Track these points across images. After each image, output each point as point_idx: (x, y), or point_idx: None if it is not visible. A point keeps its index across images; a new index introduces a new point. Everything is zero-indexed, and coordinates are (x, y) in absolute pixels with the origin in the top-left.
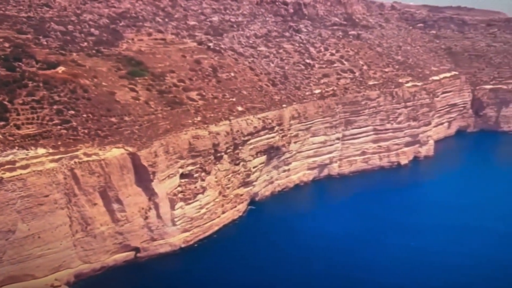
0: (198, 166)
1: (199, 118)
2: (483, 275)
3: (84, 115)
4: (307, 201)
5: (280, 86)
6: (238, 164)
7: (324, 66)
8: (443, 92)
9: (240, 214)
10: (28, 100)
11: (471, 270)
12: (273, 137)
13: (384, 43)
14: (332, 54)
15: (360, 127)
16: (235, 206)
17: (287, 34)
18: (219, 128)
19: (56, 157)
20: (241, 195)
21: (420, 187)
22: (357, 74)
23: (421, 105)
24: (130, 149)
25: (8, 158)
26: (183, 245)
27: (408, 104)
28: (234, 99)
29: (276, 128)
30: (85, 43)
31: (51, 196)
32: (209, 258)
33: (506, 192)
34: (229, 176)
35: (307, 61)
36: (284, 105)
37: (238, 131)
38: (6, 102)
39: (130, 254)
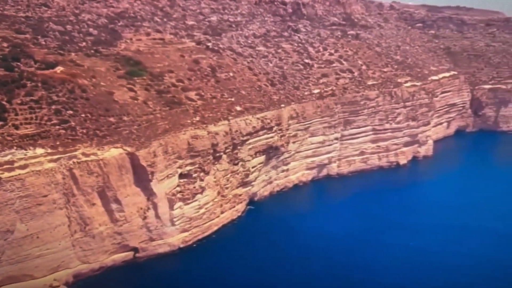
0: (197, 166)
1: (197, 118)
2: (481, 275)
3: (83, 115)
4: (306, 201)
5: (279, 86)
6: (237, 164)
7: (323, 66)
8: (442, 92)
9: (239, 214)
10: (27, 100)
11: (470, 270)
12: (271, 137)
13: (383, 43)
14: (331, 54)
15: (359, 127)
16: (234, 206)
17: (285, 34)
18: (218, 128)
19: (55, 157)
20: (240, 195)
21: (419, 187)
22: (356, 74)
23: (420, 105)
24: (129, 149)
25: (6, 158)
26: (181, 245)
27: (407, 104)
28: (232, 99)
29: (275, 128)
30: (84, 43)
31: (49, 196)
32: (208, 258)
33: (505, 192)
34: (228, 176)
35: (306, 61)
36: (282, 105)
37: (237, 131)
38: (4, 102)
39: (128, 254)
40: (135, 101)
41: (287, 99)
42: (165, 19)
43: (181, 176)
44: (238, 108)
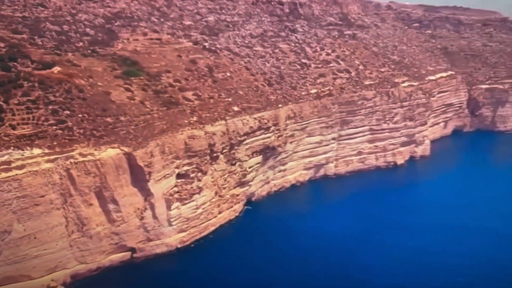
0: (194, 166)
1: (195, 118)
2: (480, 275)
3: (80, 115)
4: (303, 201)
5: (276, 86)
6: (234, 164)
7: (320, 66)
8: (439, 92)
9: (237, 214)
10: (24, 100)
11: (468, 270)
12: (269, 137)
13: (380, 43)
14: (328, 54)
15: (356, 127)
16: (232, 206)
17: (282, 34)
18: (215, 128)
19: (52, 157)
20: (237, 195)
21: (416, 187)
22: (353, 74)
23: (417, 105)
24: (126, 149)
25: (3, 159)
26: (179, 246)
27: (404, 104)
28: (230, 99)
29: (272, 128)
30: (81, 43)
31: (47, 197)
32: (206, 258)
33: (503, 191)
34: (225, 176)
35: (303, 61)
36: (280, 105)
37: (234, 131)
38: (1, 102)
39: (126, 255)
40: (132, 101)
41: (284, 99)
42: (162, 19)
43: (179, 176)
44: (235, 108)
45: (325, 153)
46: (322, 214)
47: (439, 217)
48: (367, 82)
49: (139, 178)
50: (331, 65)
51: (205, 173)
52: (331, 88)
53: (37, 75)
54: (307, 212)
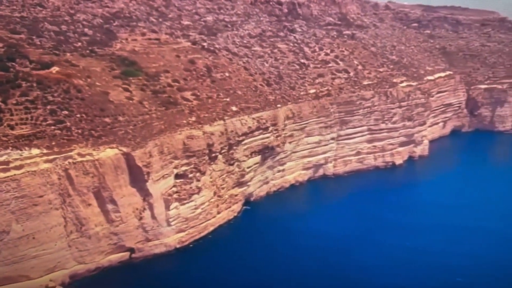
0: (192, 166)
1: (193, 118)
2: (478, 275)
3: (78, 115)
4: (302, 201)
5: (275, 86)
6: (232, 164)
7: (318, 66)
8: (438, 92)
9: (235, 214)
10: (22, 100)
11: (467, 270)
12: (267, 137)
13: (378, 43)
14: (326, 54)
15: (355, 127)
16: (230, 207)
17: (281, 34)
18: (214, 128)
19: (50, 157)
20: (236, 195)
21: (415, 187)
22: (351, 74)
23: (416, 105)
24: (124, 149)
25: (2, 159)
26: (178, 246)
27: (403, 104)
28: (228, 99)
29: (271, 128)
30: (79, 43)
31: (45, 197)
32: (204, 258)
33: (501, 191)
34: (224, 176)
35: (302, 61)
36: (278, 105)
37: (232, 131)
38: None
39: (125, 255)
40: (131, 101)
41: (283, 99)
42: (160, 19)
43: (177, 176)
44: (234, 108)
45: (324, 153)
46: (320, 214)
47: (438, 217)
48: (365, 82)
49: (137, 178)
50: (329, 65)
51: (203, 173)
52: (330, 88)
53: (35, 75)
54: (306, 212)
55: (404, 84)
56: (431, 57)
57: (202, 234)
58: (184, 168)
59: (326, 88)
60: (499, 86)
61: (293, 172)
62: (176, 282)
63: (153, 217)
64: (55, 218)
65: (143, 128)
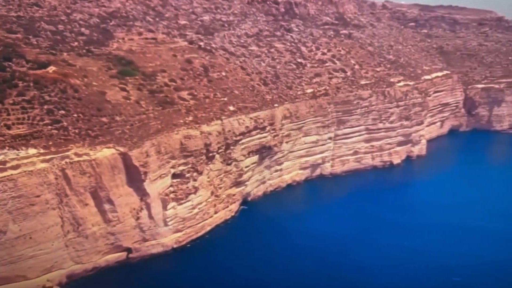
0: (190, 166)
1: (190, 118)
2: (476, 275)
3: (75, 115)
4: (299, 201)
5: (272, 85)
6: (230, 164)
7: (315, 65)
8: (435, 92)
9: (233, 214)
10: (19, 100)
11: (464, 270)
12: (265, 137)
13: (375, 42)
14: (323, 54)
15: (352, 127)
16: (228, 206)
17: (278, 33)
18: (211, 128)
19: (47, 157)
20: (233, 195)
21: (412, 186)
22: (348, 73)
23: (413, 104)
24: (121, 149)
25: None
26: (175, 246)
27: (400, 103)
28: (225, 99)
29: (268, 127)
30: (76, 43)
31: (42, 197)
32: (202, 258)
33: (499, 191)
34: (221, 176)
35: (299, 60)
36: (276, 105)
37: (229, 131)
38: None
39: (122, 255)
40: (128, 101)
41: (280, 98)
42: (157, 19)
43: (174, 176)
44: (231, 107)
45: (321, 152)
46: (318, 214)
47: (436, 217)
48: (363, 82)
49: (134, 178)
50: (326, 64)
51: (201, 173)
52: (327, 87)
53: (32, 75)
54: (303, 212)
55: (401, 83)
56: (429, 56)
57: (199, 234)
58: (181, 168)
59: (323, 88)
60: (496, 86)
61: (290, 171)
62: (173, 282)
63: (150, 217)
64: (52, 218)
65: (140, 128)
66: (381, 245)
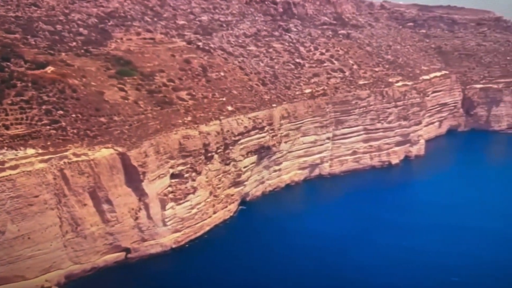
0: (188, 166)
1: (189, 118)
2: (474, 275)
3: (73, 115)
4: (298, 201)
5: (270, 85)
6: (228, 164)
7: (314, 65)
8: (434, 92)
9: (231, 214)
10: (17, 100)
11: (462, 270)
12: (263, 137)
13: (374, 42)
14: (322, 54)
15: (351, 127)
16: (226, 206)
17: (276, 33)
18: (210, 128)
19: (46, 157)
20: (232, 195)
21: (411, 186)
22: (347, 73)
23: (412, 104)
24: (120, 149)
25: None
26: (174, 246)
27: (399, 103)
28: (224, 99)
29: (267, 127)
30: (74, 43)
31: (40, 197)
32: (200, 258)
33: (497, 191)
34: (220, 176)
35: (297, 60)
36: (274, 105)
37: (228, 131)
38: None
39: (120, 255)
40: (126, 101)
41: (279, 98)
42: (155, 19)
43: (173, 176)
44: (230, 108)
45: (319, 152)
46: (317, 214)
47: (434, 217)
48: (361, 82)
49: (133, 178)
50: (325, 64)
51: (199, 173)
52: (325, 87)
53: (30, 75)
54: (302, 212)
55: (399, 83)
56: (427, 56)
57: (198, 234)
58: (180, 168)
59: (321, 88)
60: (495, 86)
61: (289, 172)
62: (172, 282)
63: (149, 217)
64: (50, 218)
65: (139, 128)
66: (380, 245)
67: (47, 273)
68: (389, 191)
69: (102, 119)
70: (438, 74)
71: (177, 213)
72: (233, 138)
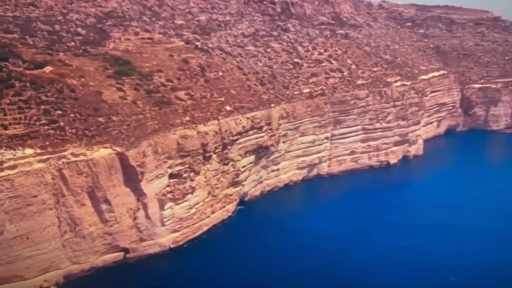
0: (187, 166)
1: (187, 118)
2: (473, 274)
3: (72, 115)
4: (296, 201)
5: (269, 85)
6: (227, 164)
7: (312, 65)
8: (432, 91)
9: (230, 214)
10: (15, 100)
11: (461, 269)
12: (261, 137)
13: (372, 42)
14: (320, 54)
15: (349, 127)
16: (225, 206)
17: (274, 33)
18: (208, 127)
19: (44, 157)
20: (230, 195)
21: (409, 186)
22: (345, 73)
23: (410, 104)
24: (118, 149)
25: None
26: (172, 246)
27: (397, 103)
28: (222, 99)
29: (265, 127)
30: (72, 43)
31: (39, 197)
32: (199, 258)
33: (496, 190)
34: (218, 176)
35: (295, 60)
36: (272, 105)
37: (226, 130)
38: None
39: (119, 255)
40: (124, 101)
41: (277, 98)
42: (153, 19)
43: (171, 176)
44: (228, 107)
45: (318, 152)
46: (315, 214)
47: (433, 217)
48: (359, 82)
49: (131, 178)
50: (323, 64)
51: (198, 173)
52: (324, 87)
53: (28, 75)
54: (300, 211)
55: (398, 83)
56: (425, 56)
57: (197, 234)
58: (178, 168)
59: (320, 88)
60: (493, 86)
61: (287, 171)
62: (170, 282)
63: (147, 217)
64: (49, 218)
65: (137, 128)
66: (379, 245)
67: (45, 273)
68: (387, 191)
69: (101, 119)
70: (436, 74)
71: (175, 213)
72: (231, 138)
